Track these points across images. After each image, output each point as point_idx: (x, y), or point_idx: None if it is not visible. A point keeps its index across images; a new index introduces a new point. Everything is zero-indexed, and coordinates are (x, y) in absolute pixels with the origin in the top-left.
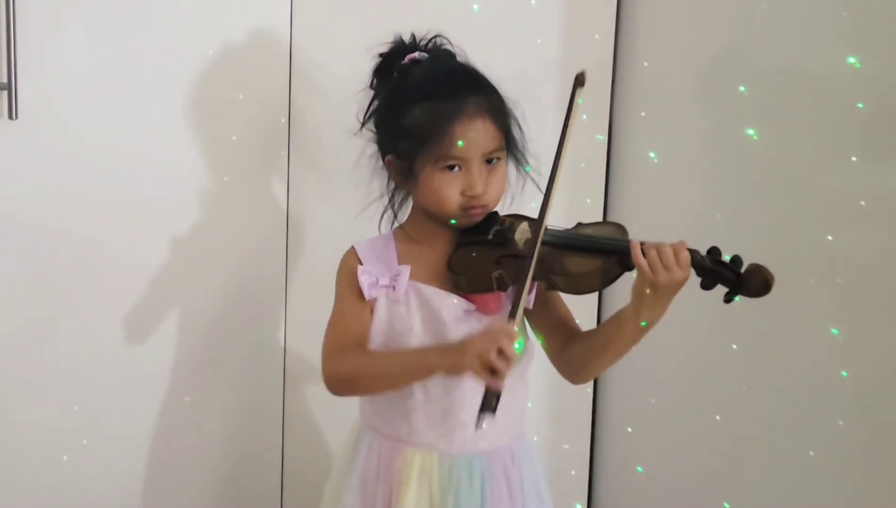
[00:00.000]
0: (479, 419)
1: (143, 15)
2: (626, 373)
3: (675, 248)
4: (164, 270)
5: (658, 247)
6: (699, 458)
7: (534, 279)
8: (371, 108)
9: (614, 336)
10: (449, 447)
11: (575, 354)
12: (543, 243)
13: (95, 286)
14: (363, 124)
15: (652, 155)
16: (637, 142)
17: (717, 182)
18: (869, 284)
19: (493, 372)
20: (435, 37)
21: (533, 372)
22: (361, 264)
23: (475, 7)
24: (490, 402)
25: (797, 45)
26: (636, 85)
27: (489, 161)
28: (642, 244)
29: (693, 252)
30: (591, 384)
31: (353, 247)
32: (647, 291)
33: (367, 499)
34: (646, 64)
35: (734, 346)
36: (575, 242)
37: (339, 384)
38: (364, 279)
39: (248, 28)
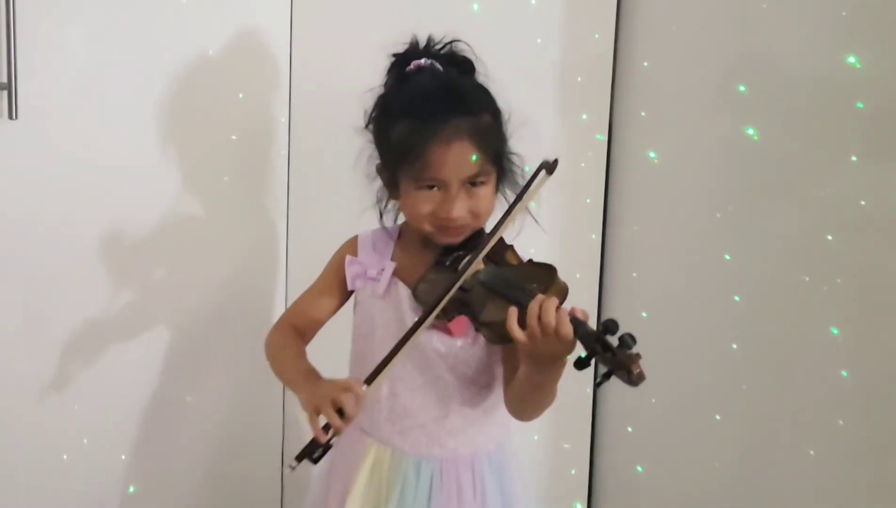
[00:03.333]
0: (294, 460)
1: (142, 15)
2: None
3: (559, 319)
4: (164, 270)
5: (542, 316)
6: (699, 458)
7: (470, 325)
8: (372, 112)
9: (523, 385)
10: (402, 444)
11: (507, 393)
12: (478, 284)
13: (95, 285)
14: (367, 125)
15: (652, 155)
16: (637, 142)
17: (716, 182)
18: (869, 284)
19: (327, 422)
20: (452, 41)
21: None
22: (356, 255)
23: (475, 7)
24: (311, 450)
25: (797, 45)
26: (636, 85)
27: (473, 183)
28: (526, 308)
29: (578, 325)
30: (591, 384)
31: (356, 236)
32: (529, 358)
33: (333, 483)
34: (646, 64)
35: (734, 346)
36: (500, 289)
37: (266, 352)
38: (350, 270)
39: (248, 28)
